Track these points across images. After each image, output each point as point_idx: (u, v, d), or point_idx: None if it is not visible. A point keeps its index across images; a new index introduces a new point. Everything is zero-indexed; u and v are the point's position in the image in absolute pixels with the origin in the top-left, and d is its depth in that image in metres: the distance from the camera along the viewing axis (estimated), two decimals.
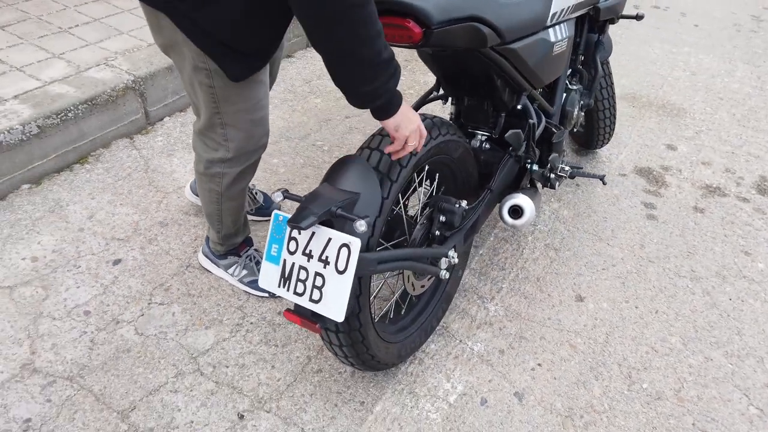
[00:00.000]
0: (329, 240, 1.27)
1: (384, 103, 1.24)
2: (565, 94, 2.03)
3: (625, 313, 2.05)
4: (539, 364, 1.84)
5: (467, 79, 1.73)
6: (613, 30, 4.46)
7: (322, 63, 3.38)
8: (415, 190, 1.69)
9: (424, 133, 1.36)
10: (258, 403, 1.62)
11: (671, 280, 2.21)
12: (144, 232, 2.09)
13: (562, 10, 1.77)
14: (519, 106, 1.75)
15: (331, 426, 1.59)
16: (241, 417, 1.58)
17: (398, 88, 3.47)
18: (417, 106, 1.89)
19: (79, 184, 2.25)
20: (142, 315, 1.80)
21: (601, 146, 2.79)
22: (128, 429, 1.51)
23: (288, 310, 1.36)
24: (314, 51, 3.50)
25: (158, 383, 1.63)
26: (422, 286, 1.72)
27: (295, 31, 3.30)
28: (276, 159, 2.57)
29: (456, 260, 1.59)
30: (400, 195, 1.58)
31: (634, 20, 3.91)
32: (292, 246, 1.32)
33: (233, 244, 1.85)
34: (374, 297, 1.96)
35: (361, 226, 1.23)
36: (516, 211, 1.69)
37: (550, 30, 1.74)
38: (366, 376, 1.73)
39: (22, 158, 2.13)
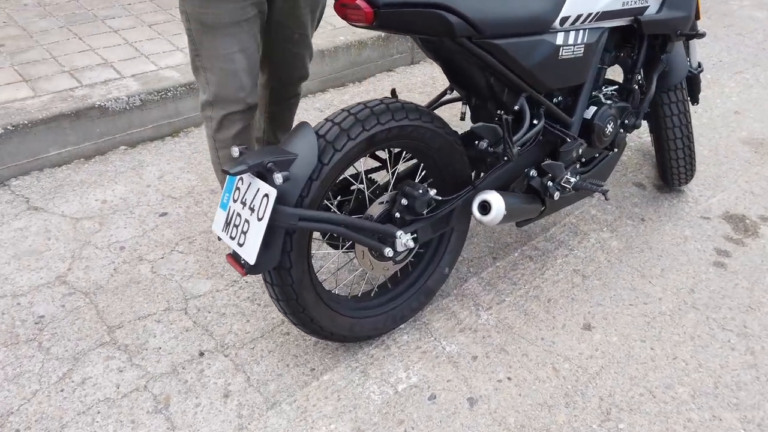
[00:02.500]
0: (258, 190, 1.40)
1: None
2: (595, 107, 1.93)
3: (635, 352, 1.85)
4: (509, 378, 1.75)
5: (465, 75, 1.75)
6: None
7: (418, 78, 3.52)
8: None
9: None
10: (221, 347, 1.78)
11: (711, 330, 1.94)
12: (195, 195, 2.39)
13: (580, 16, 1.71)
14: (517, 107, 1.73)
15: (275, 382, 1.69)
16: (201, 354, 1.75)
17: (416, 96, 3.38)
18: (430, 107, 1.95)
19: (164, 152, 2.65)
20: (162, 258, 2.08)
21: (679, 184, 2.53)
22: (109, 341, 1.77)
23: (228, 254, 1.51)
24: (415, 68, 3.66)
25: (148, 312, 1.87)
26: (385, 269, 1.75)
27: (399, 47, 3.49)
28: None
29: (410, 243, 1.61)
30: (363, 173, 1.66)
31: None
32: (236, 195, 1.47)
33: None
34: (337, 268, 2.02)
35: (278, 178, 1.34)
36: (485, 207, 1.65)
37: (560, 34, 1.70)
38: (327, 348, 1.80)
39: (122, 124, 2.58)
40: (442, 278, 1.89)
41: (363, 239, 1.53)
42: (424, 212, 1.66)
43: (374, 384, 1.70)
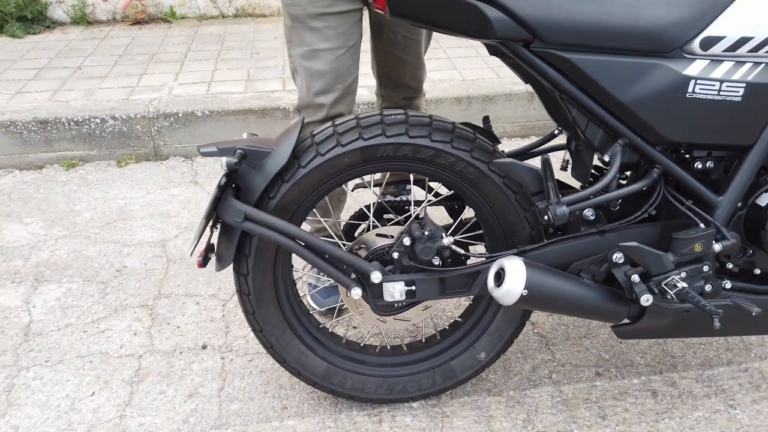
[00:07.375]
0: None
1: None
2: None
3: None
4: None
5: (550, 101, 1.31)
6: None
7: None
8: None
9: None
10: (225, 348, 1.67)
11: None
12: None
13: (740, 41, 1.11)
14: (607, 157, 1.21)
15: (241, 403, 1.50)
16: (204, 347, 1.67)
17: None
18: (529, 150, 1.51)
19: None
20: None
21: None
22: (149, 305, 1.83)
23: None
24: None
25: (196, 292, 1.87)
26: (379, 321, 1.39)
27: None
28: None
29: (396, 294, 1.24)
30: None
31: None
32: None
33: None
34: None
35: (223, 163, 1.20)
36: (500, 276, 1.17)
37: (697, 61, 1.13)
38: (315, 393, 1.52)
39: None
40: (472, 364, 1.43)
41: (326, 267, 1.25)
42: (435, 262, 1.28)
43: None
